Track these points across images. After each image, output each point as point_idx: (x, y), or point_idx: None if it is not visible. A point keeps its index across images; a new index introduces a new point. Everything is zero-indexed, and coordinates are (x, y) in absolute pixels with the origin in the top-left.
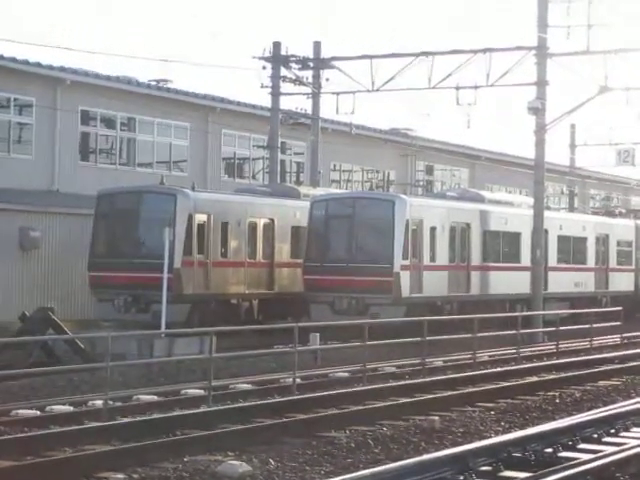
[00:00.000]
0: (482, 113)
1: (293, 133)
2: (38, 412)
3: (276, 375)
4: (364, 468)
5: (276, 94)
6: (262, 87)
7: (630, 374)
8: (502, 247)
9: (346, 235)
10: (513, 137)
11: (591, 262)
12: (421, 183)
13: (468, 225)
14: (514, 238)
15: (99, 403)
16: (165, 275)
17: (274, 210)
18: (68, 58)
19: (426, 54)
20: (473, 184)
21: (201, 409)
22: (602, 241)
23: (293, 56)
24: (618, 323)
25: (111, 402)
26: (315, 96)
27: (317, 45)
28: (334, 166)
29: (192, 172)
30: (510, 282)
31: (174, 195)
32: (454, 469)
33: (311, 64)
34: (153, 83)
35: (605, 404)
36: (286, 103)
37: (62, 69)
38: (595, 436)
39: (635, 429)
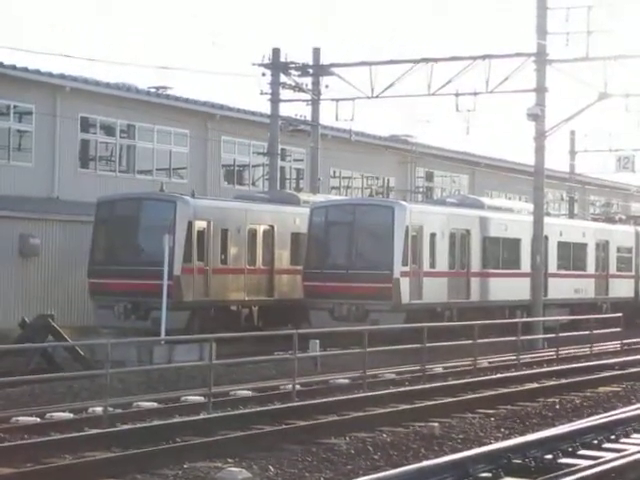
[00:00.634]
0: (482, 120)
1: (293, 140)
2: (38, 419)
3: (276, 382)
4: (364, 475)
5: (276, 101)
6: (262, 94)
7: (630, 380)
8: (502, 253)
9: (346, 242)
10: (513, 143)
11: (591, 268)
12: (421, 190)
13: (468, 231)
14: (514, 244)
15: (99, 410)
16: (165, 282)
17: (274, 217)
18: (68, 65)
19: (425, 60)
20: (473, 190)
21: (201, 416)
22: (602, 247)
23: (292, 63)
24: (618, 329)
25: (111, 409)
26: (315, 103)
27: (316, 52)
28: (334, 173)
29: (192, 179)
30: (510, 288)
31: (174, 202)
32: (454, 475)
33: (310, 71)
34: (153, 90)
35: (605, 410)
36: (286, 110)
37: (62, 76)
38: (595, 442)
39: (635, 435)
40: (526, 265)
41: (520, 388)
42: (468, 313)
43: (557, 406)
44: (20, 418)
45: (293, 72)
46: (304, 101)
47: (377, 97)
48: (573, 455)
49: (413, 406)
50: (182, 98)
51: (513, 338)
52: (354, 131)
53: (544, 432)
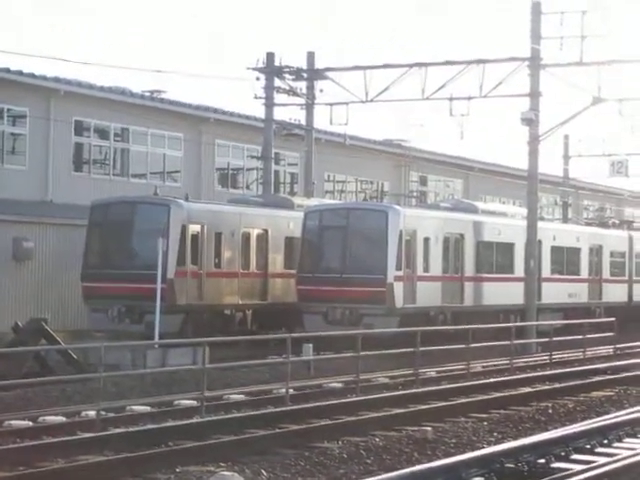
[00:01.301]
0: (476, 124)
1: (287, 144)
2: (31, 423)
3: (269, 386)
4: (357, 479)
5: (270, 105)
6: (256, 98)
7: (623, 385)
8: (496, 258)
9: (340, 246)
10: (507, 148)
11: (584, 273)
12: (415, 194)
13: (462, 236)
14: (508, 249)
15: (92, 414)
16: (158, 285)
17: (268, 221)
18: (62, 69)
19: (419, 65)
20: (467, 195)
21: (194, 420)
22: (595, 252)
23: (287, 67)
24: (611, 334)
25: (104, 413)
26: (309, 107)
27: (311, 56)
28: (328, 177)
29: (186, 183)
30: (504, 293)
31: (167, 206)
32: None
33: (305, 75)
34: (147, 94)
35: (598, 415)
36: (280, 114)
37: (56, 80)
38: (588, 447)
39: (628, 440)
40: (520, 269)
41: (513, 392)
42: (462, 317)
43: (550, 410)
44: (13, 422)
45: (287, 76)
46: (298, 105)
47: (371, 101)
48: (566, 459)
49: (406, 410)
50: (176, 102)
51: (507, 342)
52: (348, 135)
53: (537, 436)
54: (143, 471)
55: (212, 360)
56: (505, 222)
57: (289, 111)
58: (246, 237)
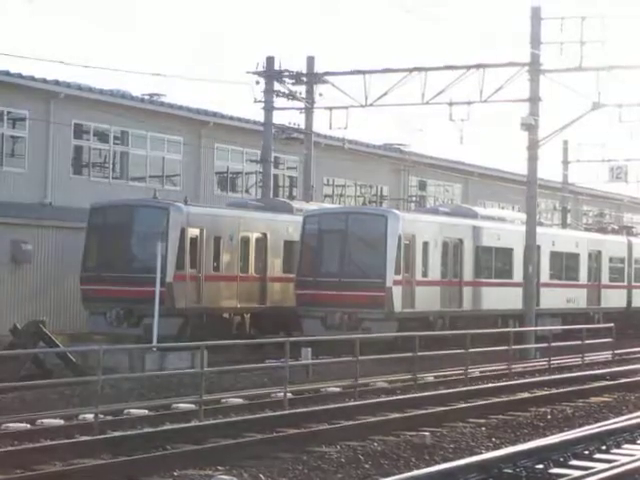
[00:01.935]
0: (475, 129)
1: (286, 148)
2: (28, 425)
3: (267, 390)
4: None
5: (269, 109)
6: (255, 102)
7: (621, 391)
8: (494, 263)
9: (338, 250)
10: (506, 153)
11: (583, 278)
12: (414, 198)
13: (461, 240)
14: (506, 254)
15: (90, 417)
16: (157, 289)
17: (267, 224)
18: (62, 71)
19: (419, 70)
20: (466, 200)
21: (192, 423)
22: (594, 257)
23: (286, 71)
24: (610, 339)
25: (102, 416)
26: (308, 111)
27: (310, 60)
28: (327, 181)
29: (185, 186)
30: (502, 298)
31: (167, 209)
32: None
33: (304, 79)
34: (146, 97)
35: (596, 421)
36: (279, 118)
37: (56, 83)
38: (586, 453)
39: (626, 446)
40: (519, 274)
41: (512, 398)
42: (460, 322)
43: (548, 416)
44: (11, 424)
45: (287, 80)
46: (298, 109)
47: (371, 106)
48: (564, 465)
49: (404, 415)
50: (176, 105)
51: (505, 347)
52: (347, 139)
53: (535, 442)
54: (141, 474)
55: (210, 364)
56: (504, 227)
57: (288, 115)
58: (245, 241)
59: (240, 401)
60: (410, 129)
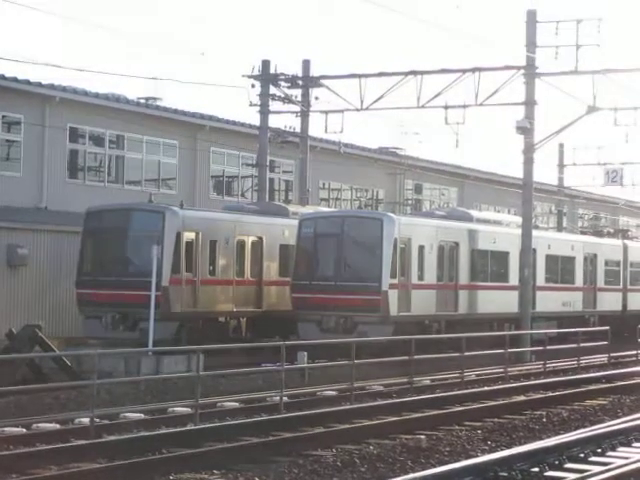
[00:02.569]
0: (471, 132)
1: (282, 151)
2: (24, 430)
3: (263, 393)
4: None
5: (265, 112)
6: (251, 105)
7: (617, 394)
8: (490, 266)
9: (334, 253)
10: (502, 156)
11: (579, 282)
12: (410, 202)
13: (456, 244)
14: (502, 257)
15: (86, 421)
16: (153, 293)
17: (262, 228)
18: (57, 75)
19: (415, 73)
20: (462, 203)
21: (188, 427)
22: (590, 261)
23: (282, 74)
24: (605, 343)
25: (98, 420)
26: (304, 114)
27: (306, 63)
28: (323, 184)
29: (181, 190)
30: (498, 301)
31: (162, 213)
32: None
33: (300, 82)
34: (142, 101)
35: (592, 424)
36: (275, 121)
37: (51, 86)
38: (582, 455)
39: (622, 449)
40: (514, 278)
41: (507, 401)
42: (456, 326)
43: (544, 419)
44: (6, 429)
45: (283, 84)
46: (293, 113)
47: (366, 109)
48: (560, 468)
49: (400, 418)
50: (171, 109)
51: (501, 351)
52: (343, 143)
53: (531, 445)
54: (137, 478)
55: (206, 367)
56: (500, 230)
57: (284, 119)
58: (241, 245)
59: (236, 405)
60: (406, 132)
